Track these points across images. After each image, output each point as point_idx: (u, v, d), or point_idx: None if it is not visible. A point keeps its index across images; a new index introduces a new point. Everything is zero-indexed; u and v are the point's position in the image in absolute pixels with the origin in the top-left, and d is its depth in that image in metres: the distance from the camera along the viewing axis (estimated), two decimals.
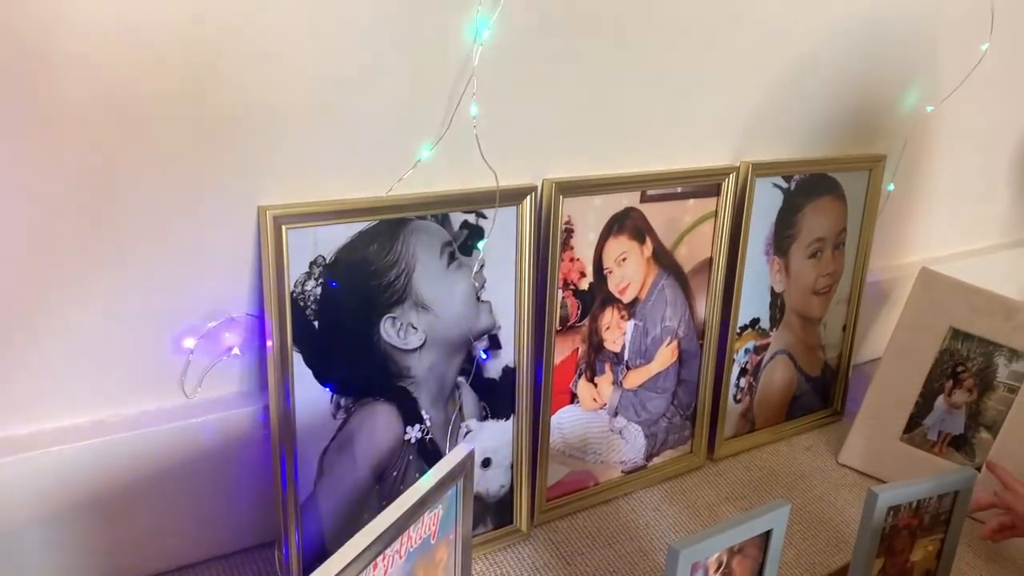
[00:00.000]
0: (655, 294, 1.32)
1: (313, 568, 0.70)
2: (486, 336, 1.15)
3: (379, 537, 0.76)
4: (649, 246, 1.29)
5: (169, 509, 1.06)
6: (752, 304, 1.47)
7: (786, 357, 1.57)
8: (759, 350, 1.51)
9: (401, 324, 1.07)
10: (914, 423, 1.47)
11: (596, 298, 1.25)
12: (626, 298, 1.28)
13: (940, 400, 1.46)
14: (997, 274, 1.81)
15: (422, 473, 0.86)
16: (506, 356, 1.17)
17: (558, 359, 1.23)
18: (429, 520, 0.85)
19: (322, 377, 1.03)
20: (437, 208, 1.07)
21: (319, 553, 1.05)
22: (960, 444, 1.44)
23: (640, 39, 1.18)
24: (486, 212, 1.10)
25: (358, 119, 1.01)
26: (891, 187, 1.64)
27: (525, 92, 1.11)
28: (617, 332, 1.29)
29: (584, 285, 1.23)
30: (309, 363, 1.02)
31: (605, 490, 1.34)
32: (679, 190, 1.30)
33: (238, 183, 0.97)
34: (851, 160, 1.54)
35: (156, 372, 1.02)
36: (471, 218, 1.10)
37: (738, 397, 1.50)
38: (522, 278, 1.15)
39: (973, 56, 1.56)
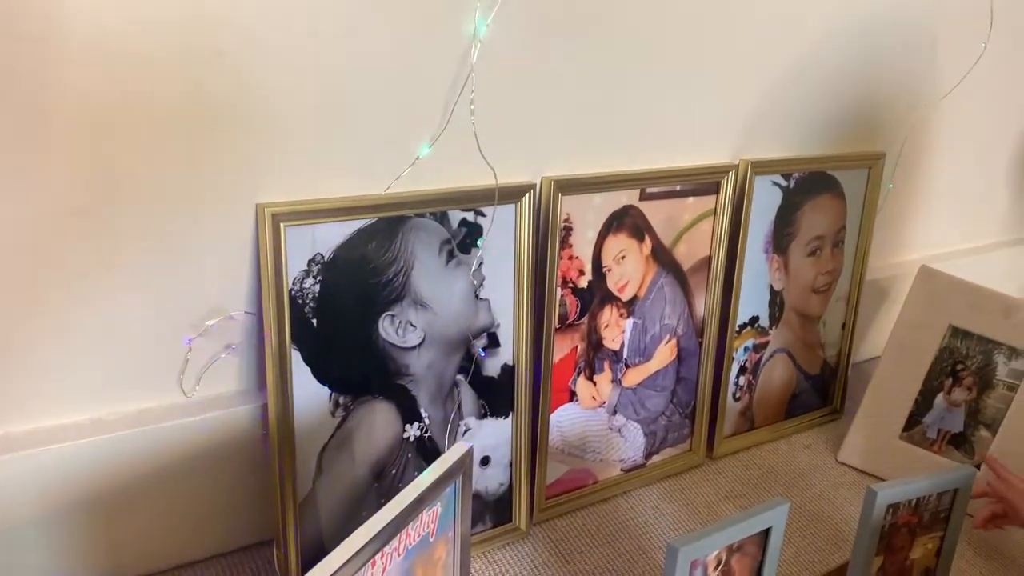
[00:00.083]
0: (654, 292, 1.32)
1: (312, 566, 0.70)
2: (485, 334, 1.15)
3: (377, 534, 0.76)
4: (648, 244, 1.29)
5: (168, 507, 1.06)
6: (751, 302, 1.47)
7: (785, 355, 1.56)
8: (758, 348, 1.51)
9: (400, 322, 1.07)
10: (913, 421, 1.47)
11: (595, 296, 1.25)
12: (625, 296, 1.28)
13: (939, 398, 1.46)
14: (997, 272, 1.80)
15: (421, 471, 0.85)
16: (505, 354, 1.17)
17: (557, 357, 1.23)
18: (428, 518, 0.85)
19: (321, 375, 1.03)
20: (436, 206, 1.07)
21: (318, 551, 1.05)
22: (959, 442, 1.44)
23: (639, 36, 1.18)
24: (485, 210, 1.10)
25: (357, 116, 1.01)
26: (890, 185, 1.64)
27: (524, 89, 1.11)
28: (616, 330, 1.29)
29: (583, 283, 1.23)
30: (308, 361, 1.02)
31: (604, 488, 1.34)
32: (678, 188, 1.30)
33: (237, 181, 0.97)
34: (850, 158, 1.54)
35: (155, 370, 1.02)
36: (470, 216, 1.10)
37: (737, 395, 1.50)
38: (521, 276, 1.15)
39: (973, 54, 1.56)
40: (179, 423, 1.03)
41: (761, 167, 1.38)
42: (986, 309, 1.42)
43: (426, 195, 1.06)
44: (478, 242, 1.11)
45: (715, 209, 1.35)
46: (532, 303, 1.17)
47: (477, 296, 1.13)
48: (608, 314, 1.27)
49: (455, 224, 1.09)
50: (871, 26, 1.44)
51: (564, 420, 1.27)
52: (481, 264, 1.12)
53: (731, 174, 1.34)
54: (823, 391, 1.66)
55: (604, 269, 1.25)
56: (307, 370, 1.02)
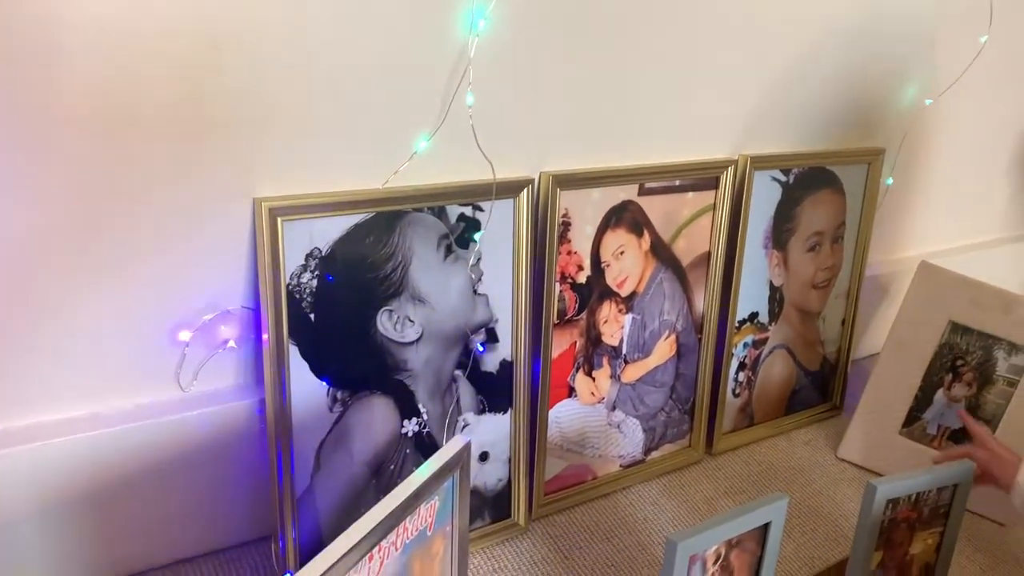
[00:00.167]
0: (653, 288, 1.31)
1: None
2: (483, 329, 1.15)
3: (375, 528, 0.75)
4: (647, 239, 1.28)
5: (165, 502, 1.06)
6: (751, 298, 1.46)
7: (785, 351, 1.56)
8: (758, 344, 1.51)
9: (398, 317, 1.07)
10: (913, 417, 1.47)
11: (594, 291, 1.25)
12: (624, 291, 1.28)
13: (939, 394, 1.46)
14: (996, 268, 1.80)
15: (419, 467, 0.85)
16: (503, 349, 1.17)
17: (556, 353, 1.23)
18: (425, 512, 0.85)
19: (318, 370, 1.03)
20: (433, 200, 1.06)
21: (316, 546, 1.04)
22: (959, 438, 1.43)
23: (638, 31, 1.18)
24: (483, 205, 1.10)
25: (354, 111, 1.00)
26: (890, 181, 1.64)
27: (522, 84, 1.11)
28: (615, 326, 1.29)
29: (582, 278, 1.23)
30: (305, 356, 1.01)
31: (603, 484, 1.34)
32: (677, 183, 1.29)
33: (234, 175, 0.96)
34: (850, 153, 1.54)
35: (152, 365, 1.02)
36: (468, 211, 1.09)
37: (737, 391, 1.50)
38: (519, 271, 1.15)
39: (972, 49, 1.55)
40: (177, 418, 1.02)
41: (760, 162, 1.38)
42: (986, 305, 1.42)
43: (424, 190, 1.05)
44: (476, 237, 1.10)
45: (714, 204, 1.35)
46: (530, 298, 1.16)
47: (475, 291, 1.13)
48: (607, 310, 1.27)
49: (453, 219, 1.09)
50: (871, 21, 1.44)
51: (563, 416, 1.27)
52: (479, 259, 1.11)
53: (730, 169, 1.34)
54: (823, 387, 1.65)
55: (603, 264, 1.25)
56: (305, 365, 1.02)
